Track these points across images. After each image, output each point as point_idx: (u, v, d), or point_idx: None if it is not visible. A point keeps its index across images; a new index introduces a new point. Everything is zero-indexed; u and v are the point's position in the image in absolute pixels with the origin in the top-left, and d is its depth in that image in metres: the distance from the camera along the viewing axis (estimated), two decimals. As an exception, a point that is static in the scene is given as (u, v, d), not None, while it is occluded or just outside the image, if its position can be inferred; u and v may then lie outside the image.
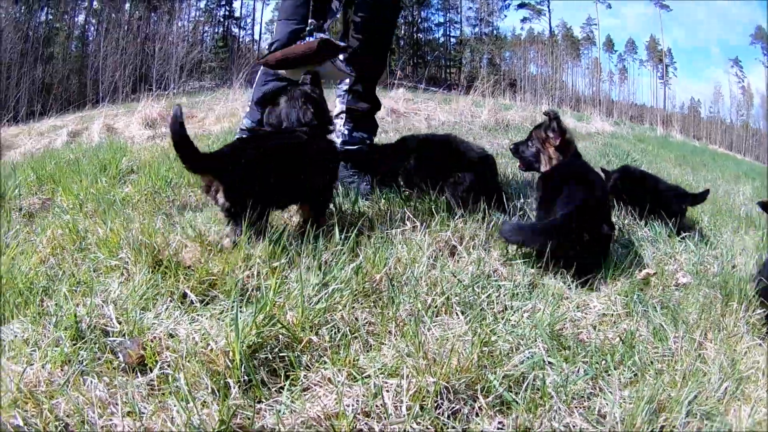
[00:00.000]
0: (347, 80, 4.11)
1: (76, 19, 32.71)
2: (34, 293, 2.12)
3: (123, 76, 23.34)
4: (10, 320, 1.96)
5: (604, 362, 1.96)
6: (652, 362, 2.00)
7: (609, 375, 1.88)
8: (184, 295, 2.13)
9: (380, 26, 4.06)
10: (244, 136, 3.72)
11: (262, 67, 3.71)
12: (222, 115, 9.52)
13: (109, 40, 28.20)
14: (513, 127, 10.08)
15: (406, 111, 10.39)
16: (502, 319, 2.13)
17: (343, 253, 2.46)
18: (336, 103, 4.25)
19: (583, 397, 1.78)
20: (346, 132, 4.17)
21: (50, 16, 31.28)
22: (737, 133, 48.13)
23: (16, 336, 1.85)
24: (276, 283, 2.05)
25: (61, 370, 1.69)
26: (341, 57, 4.09)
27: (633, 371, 1.93)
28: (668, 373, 1.90)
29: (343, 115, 4.18)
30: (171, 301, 2.09)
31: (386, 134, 7.01)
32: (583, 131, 12.74)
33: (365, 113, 4.23)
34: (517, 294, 2.42)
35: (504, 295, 2.38)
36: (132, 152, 5.33)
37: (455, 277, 2.40)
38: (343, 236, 2.63)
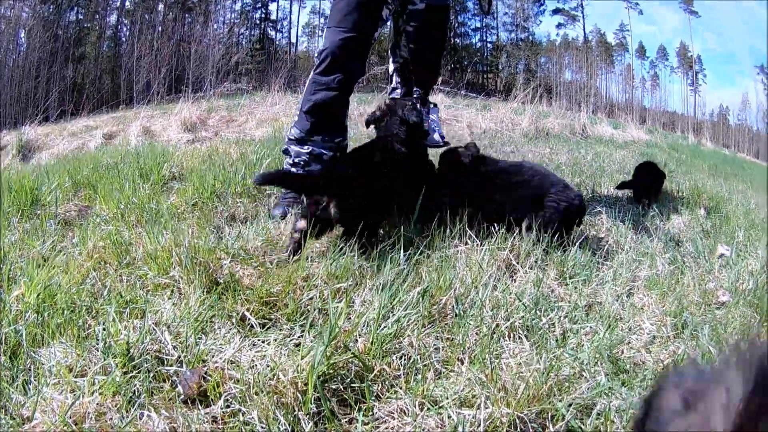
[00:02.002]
0: (398, 90, 4.08)
1: (107, 19, 32.98)
2: (77, 313, 2.02)
3: (157, 77, 23.40)
4: (51, 343, 1.86)
5: (657, 385, 1.93)
6: (699, 382, 1.97)
7: (662, 397, 1.85)
8: (243, 318, 2.04)
9: (432, 35, 4.03)
10: (292, 146, 3.67)
11: (312, 75, 3.65)
12: (263, 120, 9.52)
13: (143, 41, 28.37)
14: (553, 136, 9.97)
15: (447, 118, 10.32)
16: (563, 344, 2.08)
17: (407, 275, 2.39)
18: (387, 112, 4.23)
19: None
20: None
21: (80, 16, 31.57)
22: (763, 141, 47.22)
23: (58, 361, 1.74)
24: (345, 308, 1.97)
25: (112, 401, 1.59)
26: (392, 67, 4.06)
27: (683, 392, 1.89)
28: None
29: None
30: (231, 325, 1.99)
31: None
32: (620, 140, 12.49)
33: None
34: (575, 317, 2.36)
35: (563, 318, 2.32)
36: (174, 157, 5.24)
37: (519, 300, 2.31)
38: (406, 256, 2.56)
